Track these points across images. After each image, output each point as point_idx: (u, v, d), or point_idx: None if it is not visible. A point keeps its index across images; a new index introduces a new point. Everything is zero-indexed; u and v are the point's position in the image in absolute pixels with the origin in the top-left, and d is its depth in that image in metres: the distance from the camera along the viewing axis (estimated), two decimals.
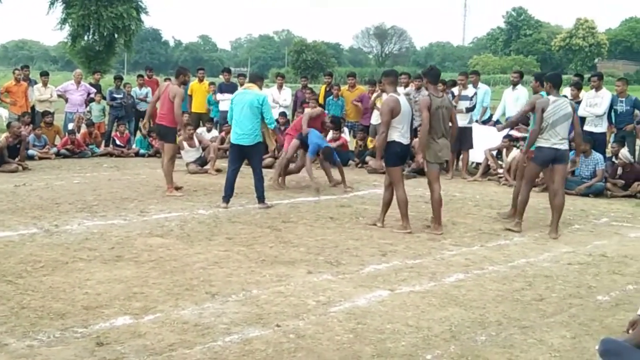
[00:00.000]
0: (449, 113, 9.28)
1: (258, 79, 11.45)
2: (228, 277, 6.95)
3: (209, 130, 16.70)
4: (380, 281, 6.96)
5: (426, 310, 6.11)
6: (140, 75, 19.64)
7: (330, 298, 6.38)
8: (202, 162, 14.51)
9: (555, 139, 9.07)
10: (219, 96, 17.47)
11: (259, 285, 6.69)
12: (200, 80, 18.21)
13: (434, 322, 5.82)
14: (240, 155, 10.78)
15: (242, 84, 16.91)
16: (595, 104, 13.54)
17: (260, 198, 10.67)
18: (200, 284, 6.70)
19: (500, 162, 14.36)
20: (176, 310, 5.92)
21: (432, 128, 8.96)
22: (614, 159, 13.20)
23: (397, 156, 9.13)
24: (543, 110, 9.05)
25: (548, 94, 9.35)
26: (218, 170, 14.16)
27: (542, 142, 9.16)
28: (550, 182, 9.58)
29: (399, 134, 9.02)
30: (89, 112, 17.38)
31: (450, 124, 9.34)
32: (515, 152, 13.72)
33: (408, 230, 9.15)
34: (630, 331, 4.97)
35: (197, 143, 14.57)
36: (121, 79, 19.00)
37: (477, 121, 15.09)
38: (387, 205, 9.49)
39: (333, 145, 15.48)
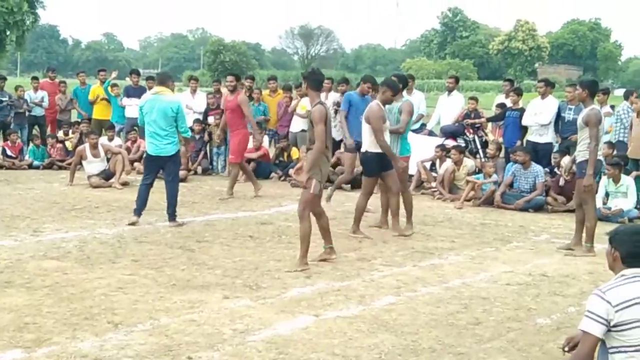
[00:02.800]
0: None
1: (168, 80, 11.40)
2: (133, 304, 6.85)
3: (110, 139, 16.41)
4: (304, 306, 6.94)
5: (354, 337, 6.12)
6: (35, 78, 19.23)
7: (249, 326, 6.33)
8: (106, 175, 14.26)
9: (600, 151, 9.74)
10: (125, 101, 17.29)
11: (168, 313, 6.61)
12: (102, 83, 17.96)
13: (363, 350, 5.83)
14: (156, 167, 10.78)
15: (150, 88, 16.82)
16: (541, 112, 13.80)
17: (172, 215, 10.62)
18: (102, 312, 6.58)
19: (433, 175, 14.51)
20: (74, 343, 5.79)
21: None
22: (556, 170, 13.40)
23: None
24: (600, 123, 9.41)
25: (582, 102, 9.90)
26: (124, 184, 13.99)
27: (587, 156, 9.49)
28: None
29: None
30: None
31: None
32: (448, 163, 13.93)
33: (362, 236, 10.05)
34: (566, 349, 5.08)
35: (101, 153, 14.35)
36: (4, 79, 18.50)
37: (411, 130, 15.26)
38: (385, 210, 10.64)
39: (253, 155, 15.52)
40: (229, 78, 13.53)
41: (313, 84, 8.50)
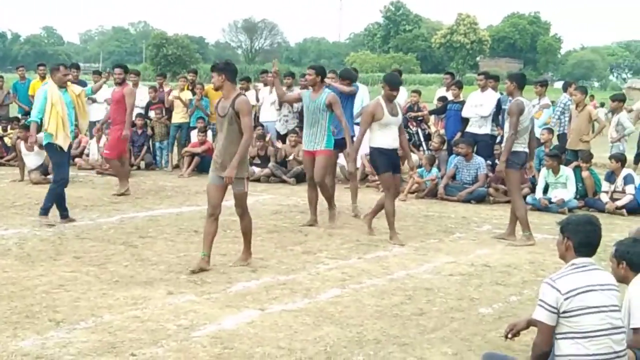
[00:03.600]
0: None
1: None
2: (75, 301, 6.77)
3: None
4: (249, 300, 6.93)
5: (299, 331, 6.13)
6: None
7: (194, 321, 6.30)
8: (44, 170, 14.02)
9: (525, 142, 9.81)
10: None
11: (111, 310, 6.54)
12: (42, 78, 17.69)
13: (308, 343, 5.84)
14: None
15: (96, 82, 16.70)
16: (481, 104, 13.93)
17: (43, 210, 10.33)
18: (43, 310, 6.49)
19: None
20: (15, 341, 5.71)
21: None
22: (496, 161, 13.48)
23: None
24: (521, 114, 9.56)
25: (510, 95, 10.10)
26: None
27: (518, 147, 9.71)
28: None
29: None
30: None
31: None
32: None
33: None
34: (509, 336, 5.21)
35: (35, 147, 14.11)
36: None
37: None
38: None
39: (198, 150, 15.44)
40: (117, 70, 13.02)
41: (231, 75, 7.92)
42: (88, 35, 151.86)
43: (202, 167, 15.13)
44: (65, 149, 10.38)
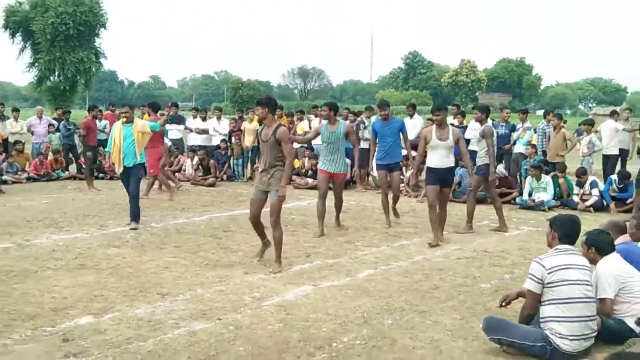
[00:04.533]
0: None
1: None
2: (176, 280, 6.85)
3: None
4: (305, 278, 6.96)
5: (343, 301, 6.13)
6: (100, 111, 19.15)
7: (264, 294, 6.34)
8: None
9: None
10: (168, 126, 17.25)
11: (203, 286, 6.61)
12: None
13: (350, 311, 5.85)
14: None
15: (195, 117, 16.96)
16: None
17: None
18: (153, 286, 6.59)
19: (401, 177, 14.47)
20: (132, 310, 5.82)
21: None
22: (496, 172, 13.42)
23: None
24: (493, 136, 9.63)
25: (480, 122, 10.09)
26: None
27: (484, 161, 9.70)
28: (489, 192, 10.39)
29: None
30: (50, 142, 16.85)
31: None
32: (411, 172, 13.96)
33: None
34: (503, 304, 5.29)
35: None
36: (69, 112, 18.47)
37: None
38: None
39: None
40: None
41: (272, 108, 7.28)
42: (184, 82, 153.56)
43: None
44: (119, 172, 10.08)
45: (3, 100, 21.72)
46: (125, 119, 9.88)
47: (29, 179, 15.44)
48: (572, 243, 5.01)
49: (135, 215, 9.81)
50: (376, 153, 10.14)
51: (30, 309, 5.82)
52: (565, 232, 5.01)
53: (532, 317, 5.03)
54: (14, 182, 14.93)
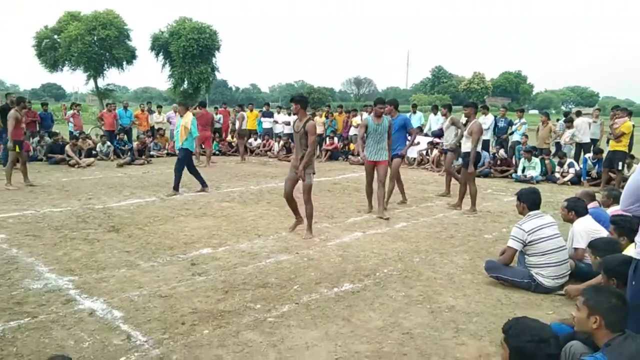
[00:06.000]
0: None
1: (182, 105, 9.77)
2: (268, 225, 6.95)
3: (255, 139, 16.64)
4: (357, 227, 6.94)
5: (384, 244, 6.11)
6: (216, 107, 19.50)
7: (328, 237, 6.38)
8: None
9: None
10: (262, 118, 17.52)
11: (286, 230, 6.69)
12: (251, 110, 18.11)
13: (388, 250, 5.83)
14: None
15: (278, 113, 16.97)
16: (484, 122, 13.40)
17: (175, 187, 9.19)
18: (251, 229, 6.70)
19: (428, 157, 14.23)
20: (237, 244, 5.94)
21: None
22: (495, 155, 13.11)
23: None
24: (481, 133, 7.91)
25: (468, 117, 8.11)
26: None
27: (467, 149, 8.05)
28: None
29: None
30: None
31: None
32: (435, 151, 13.68)
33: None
34: (500, 256, 5.06)
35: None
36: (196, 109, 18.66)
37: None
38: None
39: (330, 147, 15.48)
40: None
41: (303, 104, 6.18)
42: (273, 87, 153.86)
43: (333, 157, 15.17)
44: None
45: (150, 100, 22.28)
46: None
47: (168, 154, 15.78)
48: (538, 208, 4.80)
49: (203, 183, 9.44)
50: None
51: (168, 241, 6.01)
52: (531, 201, 4.77)
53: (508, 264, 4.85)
54: (158, 156, 15.30)
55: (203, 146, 13.69)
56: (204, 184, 9.49)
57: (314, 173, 6.33)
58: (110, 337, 3.59)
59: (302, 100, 6.21)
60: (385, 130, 7.58)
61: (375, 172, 7.70)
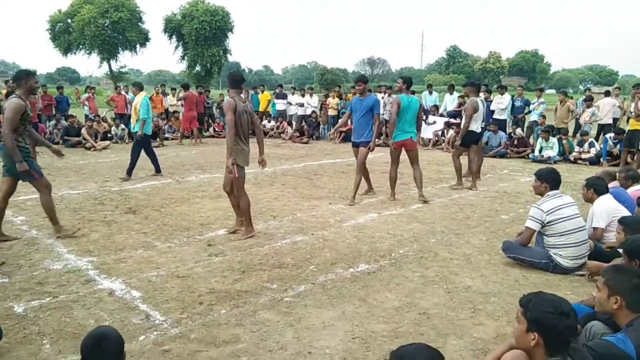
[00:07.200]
0: (250, 118, 5.73)
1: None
2: (283, 206, 6.97)
3: (269, 122, 16.66)
4: (372, 208, 6.94)
5: (399, 225, 6.09)
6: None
7: (343, 218, 6.38)
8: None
9: (479, 126, 8.14)
10: (275, 100, 17.48)
11: (300, 211, 6.71)
12: (262, 92, 18.04)
13: (404, 231, 5.81)
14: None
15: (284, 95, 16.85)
16: (501, 102, 13.25)
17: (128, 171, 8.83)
18: (267, 210, 6.74)
19: (443, 138, 14.11)
20: (255, 224, 5.89)
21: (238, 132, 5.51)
22: (512, 135, 12.95)
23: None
24: (475, 111, 7.91)
25: (467, 96, 8.29)
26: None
27: (473, 128, 8.06)
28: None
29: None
30: None
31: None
32: (451, 132, 13.53)
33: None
34: (517, 237, 4.99)
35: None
36: (209, 91, 18.54)
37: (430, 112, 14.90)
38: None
39: (344, 129, 15.32)
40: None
41: (231, 84, 5.52)
42: (286, 69, 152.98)
43: (345, 138, 15.08)
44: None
45: (163, 82, 22.34)
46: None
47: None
48: (557, 188, 4.69)
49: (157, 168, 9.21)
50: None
51: (185, 223, 6.07)
52: (552, 181, 4.64)
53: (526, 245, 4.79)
54: (172, 139, 15.36)
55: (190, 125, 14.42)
56: (157, 169, 9.20)
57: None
58: (130, 317, 3.64)
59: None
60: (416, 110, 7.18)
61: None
